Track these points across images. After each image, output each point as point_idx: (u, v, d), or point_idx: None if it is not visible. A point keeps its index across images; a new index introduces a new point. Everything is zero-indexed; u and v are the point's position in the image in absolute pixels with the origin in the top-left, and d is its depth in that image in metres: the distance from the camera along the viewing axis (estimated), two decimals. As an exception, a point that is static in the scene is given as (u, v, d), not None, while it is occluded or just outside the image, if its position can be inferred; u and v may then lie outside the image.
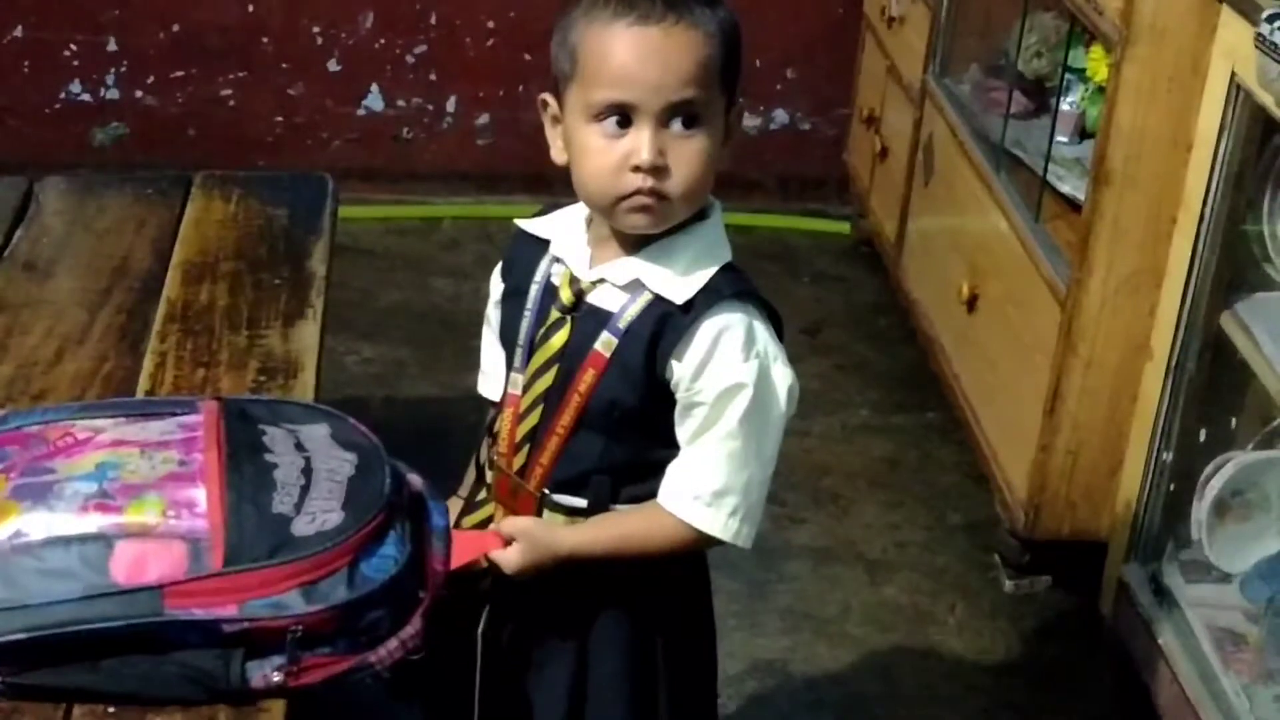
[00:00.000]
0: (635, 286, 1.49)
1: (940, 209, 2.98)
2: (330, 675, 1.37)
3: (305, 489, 1.40)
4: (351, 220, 3.35)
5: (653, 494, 1.52)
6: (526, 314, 1.56)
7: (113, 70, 3.64)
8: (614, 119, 1.43)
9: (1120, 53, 2.22)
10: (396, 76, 3.70)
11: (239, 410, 1.51)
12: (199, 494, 1.38)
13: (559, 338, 1.52)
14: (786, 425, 1.53)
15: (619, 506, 1.54)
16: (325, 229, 2.20)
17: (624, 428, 1.52)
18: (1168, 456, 2.26)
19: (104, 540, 1.34)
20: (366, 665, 1.38)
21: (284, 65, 3.66)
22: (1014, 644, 2.53)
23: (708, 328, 1.47)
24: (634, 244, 1.50)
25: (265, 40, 3.64)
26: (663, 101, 1.42)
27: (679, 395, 1.49)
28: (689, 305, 1.47)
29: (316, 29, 3.64)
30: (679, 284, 1.48)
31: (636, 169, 1.43)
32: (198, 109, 3.68)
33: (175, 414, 1.50)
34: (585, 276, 1.52)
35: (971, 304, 2.72)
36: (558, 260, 1.55)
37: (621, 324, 1.49)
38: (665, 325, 1.47)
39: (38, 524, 1.35)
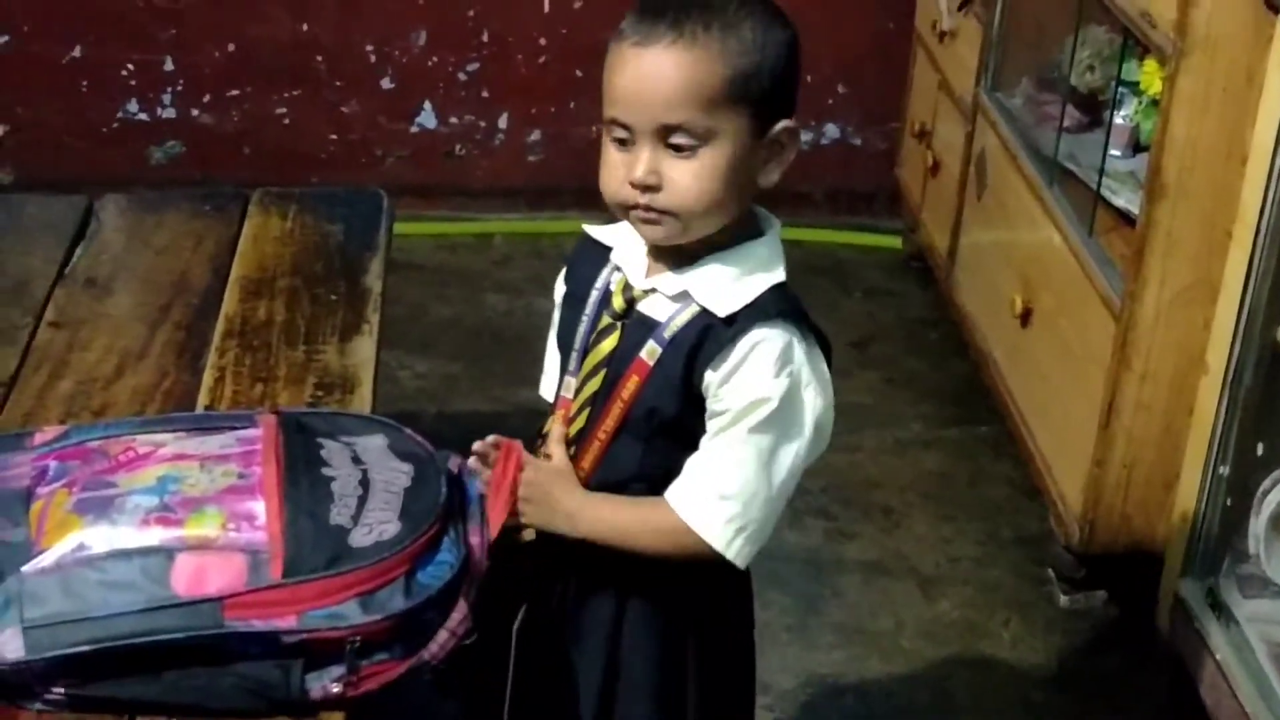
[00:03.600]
0: (684, 298, 1.51)
1: (993, 223, 2.98)
2: (387, 680, 1.38)
3: (363, 500, 1.42)
4: (404, 236, 3.36)
5: (659, 477, 1.54)
6: (584, 319, 1.58)
7: (169, 89, 3.68)
8: (619, 135, 1.47)
9: (1174, 65, 2.21)
10: (449, 94, 3.73)
11: (296, 423, 1.53)
12: (258, 506, 1.40)
13: (608, 343, 1.55)
14: (813, 458, 1.53)
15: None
16: (381, 245, 2.22)
17: (662, 436, 1.53)
18: (1224, 470, 2.25)
19: (165, 553, 1.36)
20: (423, 664, 1.40)
21: (338, 83, 3.69)
22: (1068, 659, 2.52)
23: (746, 341, 1.48)
24: (687, 257, 1.51)
25: (319, 58, 3.67)
26: (653, 123, 1.44)
27: (708, 403, 1.50)
28: (732, 319, 1.49)
29: (370, 47, 3.67)
30: (725, 298, 1.49)
31: (633, 185, 1.47)
32: (253, 127, 3.71)
33: (234, 428, 1.53)
34: (639, 285, 1.55)
35: (1025, 318, 2.71)
36: (617, 268, 1.58)
37: (666, 333, 1.51)
38: (706, 337, 1.49)
39: (100, 537, 1.37)
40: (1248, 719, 2.10)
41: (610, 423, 1.54)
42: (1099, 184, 2.55)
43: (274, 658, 1.36)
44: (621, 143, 1.47)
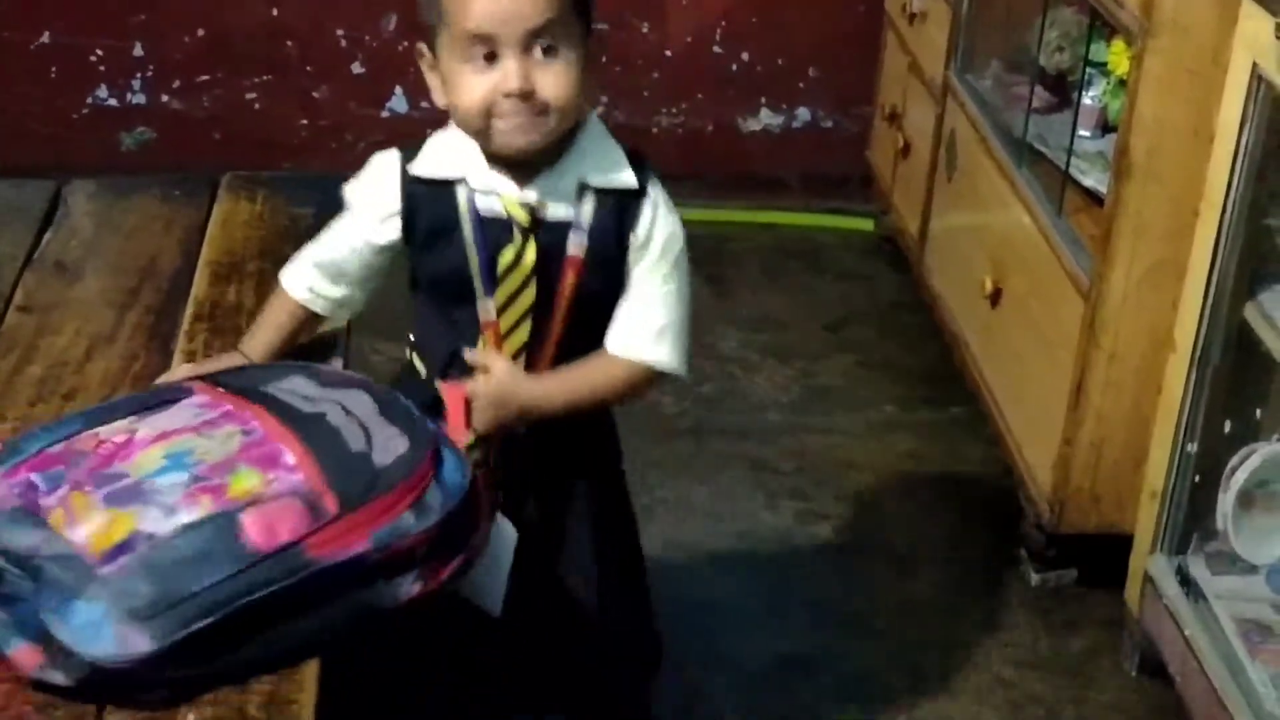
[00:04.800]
0: (579, 191, 1.68)
1: (963, 205, 2.99)
2: (454, 571, 1.46)
3: (364, 427, 1.48)
4: (377, 221, 3.36)
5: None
6: (470, 247, 1.70)
7: (139, 75, 3.67)
8: (481, 54, 1.61)
9: (1141, 45, 2.22)
10: (420, 79, 3.70)
11: (231, 384, 1.57)
12: (285, 455, 1.44)
13: (529, 258, 1.69)
14: None
15: None
16: (351, 228, 2.21)
17: (607, 317, 1.72)
18: (1192, 448, 2.26)
19: (227, 517, 1.38)
20: (475, 552, 1.48)
21: (308, 68, 3.69)
22: (1040, 637, 2.53)
23: (649, 199, 1.70)
24: (533, 167, 1.67)
25: (290, 44, 3.66)
26: (521, 30, 1.59)
27: (631, 256, 1.71)
28: (633, 193, 1.69)
29: (340, 32, 3.66)
30: (619, 175, 1.70)
31: (508, 95, 1.61)
32: (223, 113, 3.70)
33: (177, 400, 1.55)
34: (529, 198, 1.68)
35: (995, 299, 2.73)
36: (480, 192, 1.70)
37: (585, 224, 1.69)
38: (624, 212, 1.69)
39: (157, 521, 1.38)
40: (1216, 695, 2.11)
41: (559, 320, 1.71)
42: (1067, 164, 2.56)
43: (363, 581, 1.41)
44: (486, 59, 1.61)
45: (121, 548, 1.35)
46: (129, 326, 1.95)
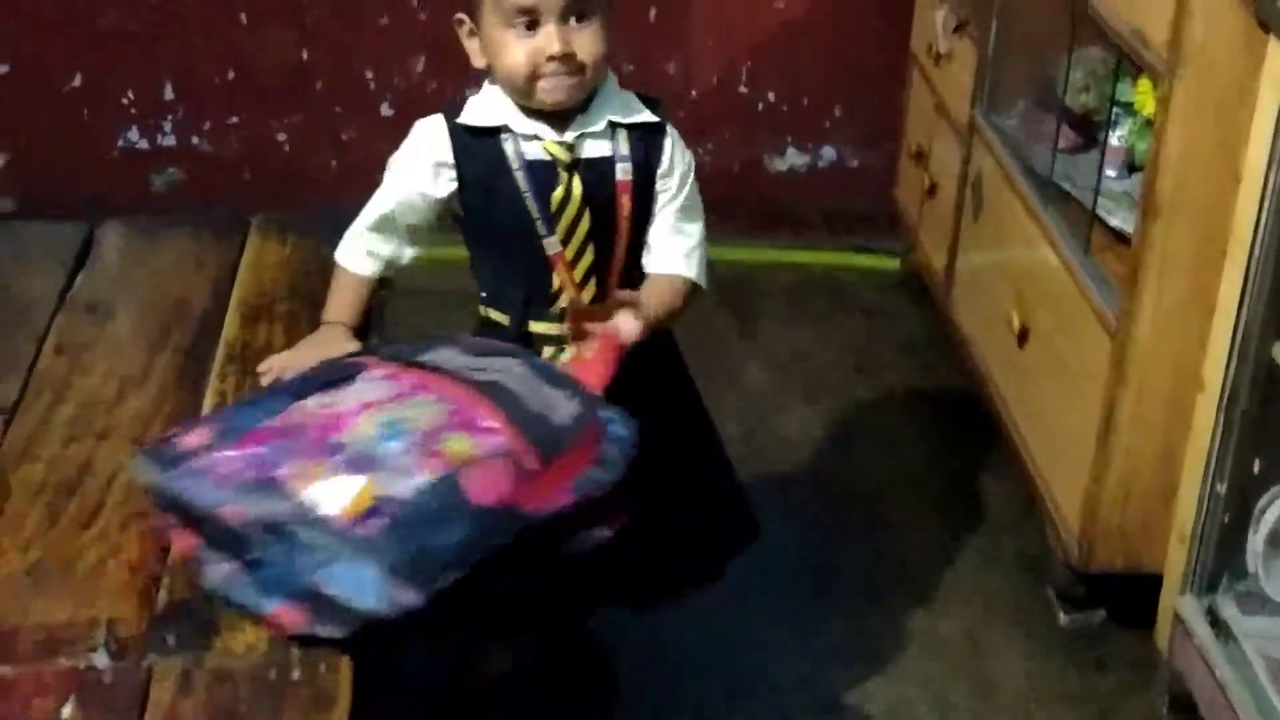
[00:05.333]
0: (608, 130, 1.95)
1: (989, 243, 2.99)
2: (624, 521, 1.60)
3: (534, 387, 1.61)
4: (405, 261, 3.38)
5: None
6: (525, 193, 1.94)
7: (169, 117, 3.70)
8: (524, 23, 1.88)
9: (1167, 84, 2.22)
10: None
11: (399, 358, 1.70)
12: (481, 419, 1.55)
13: (577, 189, 1.94)
14: None
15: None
16: (380, 268, 2.22)
17: (646, 228, 1.99)
18: (1222, 488, 2.26)
19: (451, 479, 1.48)
20: (638, 498, 1.61)
21: (337, 109, 3.71)
22: (1069, 677, 2.52)
23: (668, 134, 1.99)
24: (573, 113, 1.94)
25: (319, 85, 3.69)
26: (561, 2, 1.86)
27: (658, 184, 1.99)
28: (655, 126, 1.98)
29: (369, 73, 3.69)
30: (642, 114, 1.98)
31: (550, 58, 1.87)
32: (253, 153, 3.73)
33: (353, 376, 1.66)
34: (568, 139, 1.94)
35: (1022, 337, 2.73)
36: (529, 138, 1.94)
37: (625, 152, 1.96)
38: (648, 143, 1.98)
39: (396, 485, 1.48)
40: (1248, 735, 2.10)
41: (623, 239, 1.97)
42: (1094, 204, 2.56)
43: (570, 531, 1.54)
44: (528, 27, 1.87)
45: (372, 511, 1.46)
46: (160, 367, 1.96)
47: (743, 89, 3.72)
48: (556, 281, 1.97)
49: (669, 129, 2.00)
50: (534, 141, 1.94)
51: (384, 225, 2.01)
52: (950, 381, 3.24)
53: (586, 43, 1.89)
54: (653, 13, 3.64)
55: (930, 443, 3.10)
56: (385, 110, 3.72)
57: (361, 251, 2.03)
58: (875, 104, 3.73)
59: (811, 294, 3.58)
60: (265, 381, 1.89)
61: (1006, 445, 2.85)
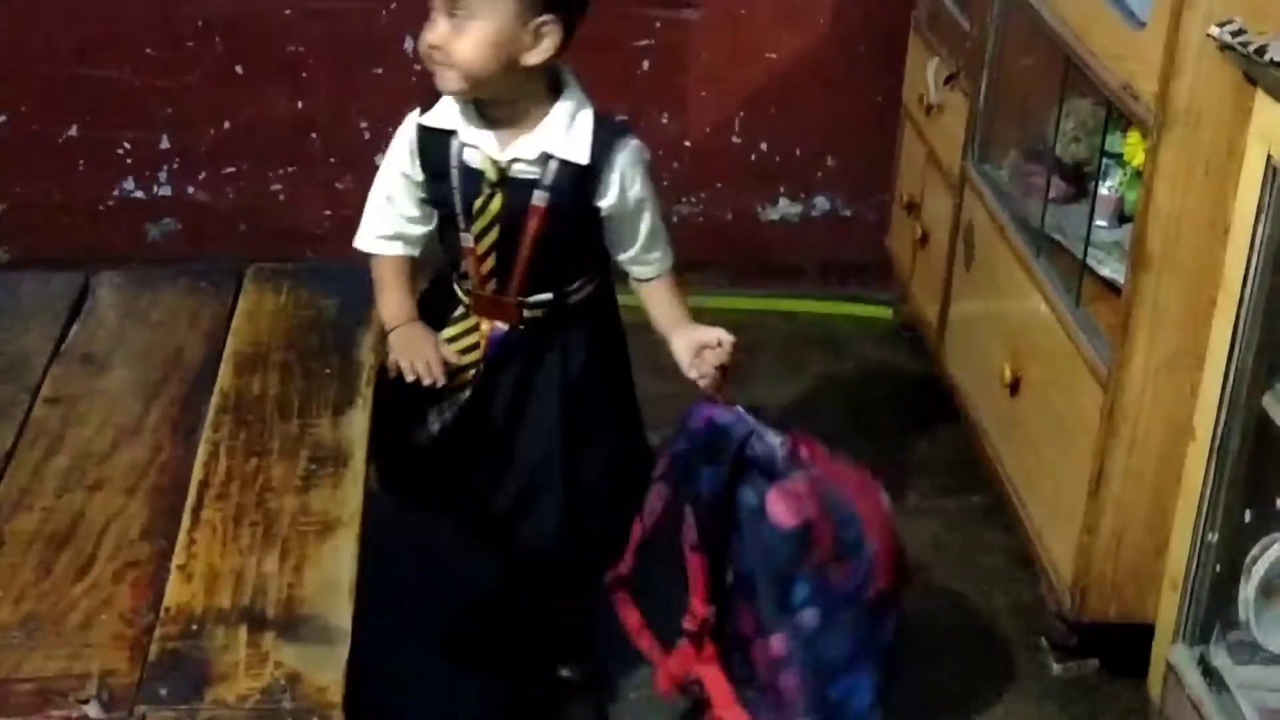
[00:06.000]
0: (543, 158, 2.12)
1: (981, 293, 3.00)
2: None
3: None
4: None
5: (582, 272, 2.23)
6: (454, 190, 2.16)
7: (165, 167, 3.71)
8: (432, 11, 2.07)
9: (1156, 137, 2.24)
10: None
11: None
12: None
13: (494, 205, 2.15)
14: None
15: (569, 288, 2.23)
16: (373, 319, 2.24)
17: (561, 247, 2.18)
18: (1213, 537, 2.26)
19: None
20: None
21: (332, 160, 3.73)
22: (1063, 728, 2.52)
23: (613, 170, 2.13)
24: (510, 121, 2.13)
25: (313, 136, 3.71)
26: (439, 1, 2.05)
27: (607, 211, 2.17)
28: (593, 161, 2.12)
29: (364, 124, 3.70)
30: (575, 147, 2.12)
31: (429, 46, 2.08)
32: (248, 204, 3.74)
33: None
34: (501, 158, 2.13)
35: (1014, 387, 2.74)
36: (468, 146, 2.14)
37: (548, 182, 2.13)
38: (580, 179, 2.13)
39: None
40: (1241, 786, 2.10)
41: (525, 254, 2.17)
42: (1085, 254, 2.57)
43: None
44: (433, 16, 2.06)
45: None
46: (154, 417, 1.97)
47: (735, 139, 3.74)
48: (464, 267, 2.22)
49: (618, 165, 2.14)
50: (475, 150, 2.14)
51: (389, 203, 2.26)
52: (944, 432, 3.25)
53: (460, 43, 2.06)
54: (645, 64, 3.67)
55: (923, 493, 3.10)
56: (379, 160, 3.73)
57: (381, 233, 2.27)
58: (867, 154, 3.75)
59: (804, 344, 3.59)
60: (409, 378, 2.18)
61: (999, 495, 2.86)
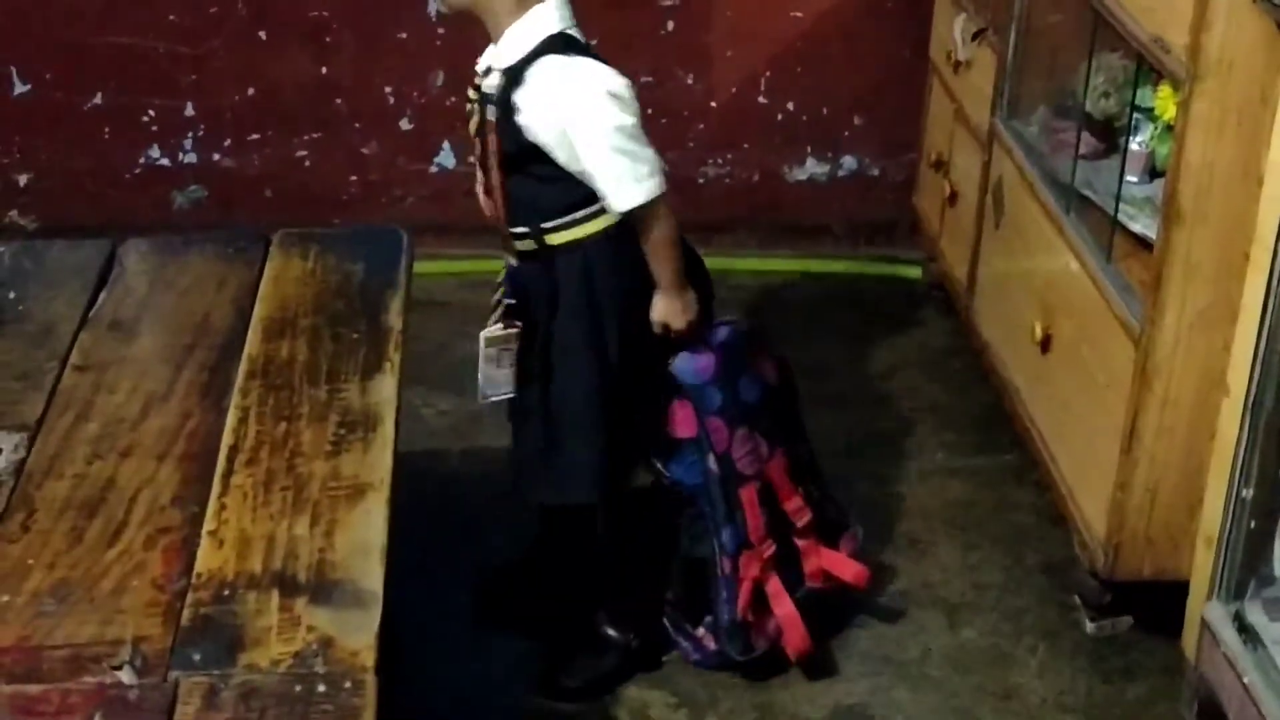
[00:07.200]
0: (489, 71, 2.20)
1: (1011, 251, 2.98)
2: None
3: None
4: (425, 275, 3.37)
5: (558, 210, 2.23)
6: (469, 113, 2.26)
7: (190, 134, 3.71)
8: None
9: (1188, 89, 2.22)
10: (467, 134, 3.74)
11: None
12: None
13: (474, 121, 2.24)
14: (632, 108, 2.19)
15: (546, 225, 2.24)
16: (401, 283, 2.24)
17: (520, 169, 2.20)
18: (1248, 493, 2.24)
19: None
20: None
21: (357, 125, 3.72)
22: (1096, 685, 2.51)
23: (541, 73, 2.14)
24: (494, 36, 2.18)
25: (339, 101, 3.70)
26: None
27: (539, 125, 2.15)
28: (517, 67, 2.14)
29: (388, 89, 3.69)
30: (509, 57, 2.15)
31: None
32: (274, 170, 3.74)
33: None
34: (479, 71, 2.22)
35: (1045, 345, 2.72)
36: (485, 69, 2.23)
37: (494, 95, 2.17)
38: (506, 90, 2.16)
39: None
40: (1277, 742, 2.09)
41: (494, 170, 2.22)
42: (1116, 210, 2.55)
43: None
44: None
45: None
46: (184, 384, 1.97)
47: (762, 99, 3.72)
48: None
49: (538, 74, 2.15)
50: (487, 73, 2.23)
51: None
52: (974, 391, 3.23)
53: None
54: (670, 24, 3.64)
55: (954, 452, 3.09)
56: (405, 125, 3.73)
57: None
58: (895, 113, 3.73)
59: (834, 304, 3.58)
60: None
61: (1031, 453, 2.85)
